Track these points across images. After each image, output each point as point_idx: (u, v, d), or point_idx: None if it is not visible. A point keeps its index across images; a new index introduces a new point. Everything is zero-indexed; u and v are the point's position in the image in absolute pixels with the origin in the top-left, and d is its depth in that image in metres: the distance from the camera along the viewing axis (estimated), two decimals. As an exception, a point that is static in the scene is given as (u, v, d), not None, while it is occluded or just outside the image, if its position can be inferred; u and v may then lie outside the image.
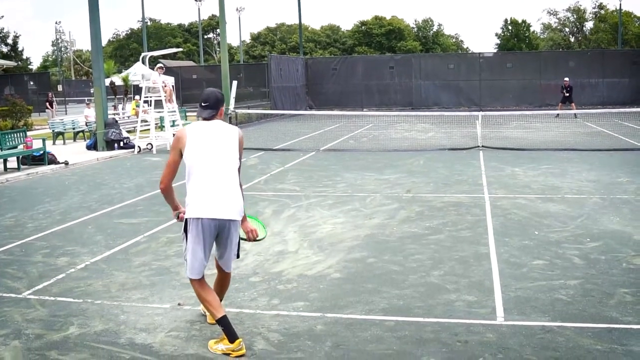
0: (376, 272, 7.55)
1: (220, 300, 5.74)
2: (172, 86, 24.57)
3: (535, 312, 6.18)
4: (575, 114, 31.14)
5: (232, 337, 5.38)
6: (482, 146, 19.56)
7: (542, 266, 7.65)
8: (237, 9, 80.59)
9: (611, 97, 40.46)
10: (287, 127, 29.36)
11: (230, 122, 21.21)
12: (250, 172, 15.56)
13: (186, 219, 5.71)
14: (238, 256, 5.86)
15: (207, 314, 5.97)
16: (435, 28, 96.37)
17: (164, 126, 22.36)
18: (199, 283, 5.65)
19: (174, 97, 22.84)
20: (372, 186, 13.44)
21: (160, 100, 21.26)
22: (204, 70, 54.07)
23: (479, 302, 6.48)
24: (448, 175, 14.71)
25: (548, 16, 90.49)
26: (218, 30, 68.94)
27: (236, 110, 22.73)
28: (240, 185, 5.80)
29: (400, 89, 42.81)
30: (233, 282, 6.99)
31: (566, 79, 32.63)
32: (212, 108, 5.65)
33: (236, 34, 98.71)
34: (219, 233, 5.58)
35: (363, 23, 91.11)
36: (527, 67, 42.61)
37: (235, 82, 29.54)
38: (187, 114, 29.18)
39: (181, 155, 5.73)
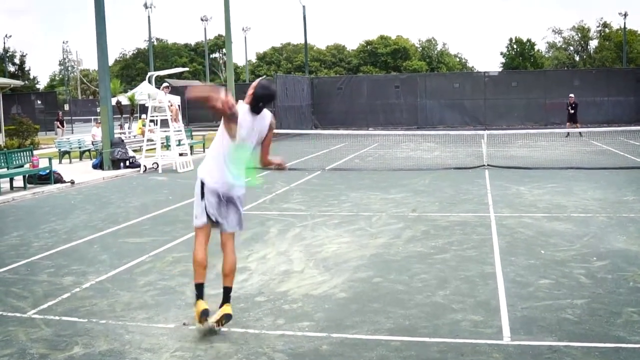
0: (382, 292, 7.52)
1: (229, 270, 6.59)
2: (178, 105, 24.68)
3: (542, 332, 6.14)
4: (580, 132, 31.09)
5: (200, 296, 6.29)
6: (488, 165, 19.54)
7: (548, 285, 7.61)
8: (243, 29, 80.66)
9: (616, 116, 40.45)
10: (292, 146, 29.37)
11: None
12: (255, 192, 15.53)
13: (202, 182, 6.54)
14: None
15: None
16: (439, 47, 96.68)
17: (169, 145, 22.40)
18: (202, 234, 6.78)
19: (179, 117, 22.97)
20: (378, 205, 13.42)
21: (167, 120, 21.34)
22: (210, 90, 54.16)
23: (485, 322, 6.44)
24: (454, 194, 14.69)
25: (553, 35, 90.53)
26: (224, 49, 69.17)
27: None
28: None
29: (405, 108, 42.91)
30: (238, 302, 7.02)
31: (571, 95, 32.57)
32: (265, 101, 6.51)
33: (242, 54, 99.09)
34: (229, 198, 6.58)
35: (368, 42, 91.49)
36: (532, 85, 42.66)
37: (241, 102, 29.65)
38: (193, 133, 29.18)
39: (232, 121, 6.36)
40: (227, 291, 6.45)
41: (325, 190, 15.59)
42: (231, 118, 6.24)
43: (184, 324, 6.55)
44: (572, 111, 31.79)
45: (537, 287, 7.57)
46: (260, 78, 6.74)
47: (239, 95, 33.17)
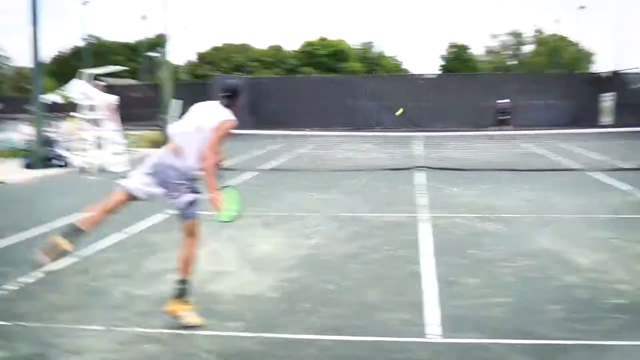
0: (313, 292, 7.54)
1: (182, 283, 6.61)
2: (114, 105, 24.22)
3: (470, 330, 6.24)
4: (510, 135, 31.53)
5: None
6: (423, 166, 19.77)
7: (477, 284, 7.74)
8: (182, 28, 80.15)
9: (548, 119, 41.36)
10: (229, 146, 29.14)
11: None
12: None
13: None
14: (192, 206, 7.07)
15: None
16: (377, 50, 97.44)
17: (104, 145, 22.01)
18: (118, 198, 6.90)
19: (115, 116, 22.56)
20: (313, 206, 13.44)
21: (101, 119, 20.97)
22: (147, 89, 53.40)
23: (415, 321, 6.51)
24: (389, 194, 14.82)
25: (489, 39, 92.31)
26: (163, 48, 68.50)
27: (178, 130, 22.45)
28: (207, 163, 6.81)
29: (343, 110, 43.02)
30: (168, 303, 6.94)
31: (504, 100, 33.10)
32: (231, 97, 7.05)
33: (181, 53, 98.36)
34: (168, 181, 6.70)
35: (308, 44, 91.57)
36: (468, 89, 43.34)
37: (179, 102, 29.35)
38: (129, 132, 28.70)
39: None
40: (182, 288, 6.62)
41: (261, 191, 15.54)
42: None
43: (113, 326, 6.42)
44: (505, 116, 32.18)
45: (466, 285, 7.69)
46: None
47: (177, 94, 32.87)
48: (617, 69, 44.79)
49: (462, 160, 22.21)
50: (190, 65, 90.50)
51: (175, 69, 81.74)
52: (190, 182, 6.74)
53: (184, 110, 27.29)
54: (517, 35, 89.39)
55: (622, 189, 15.26)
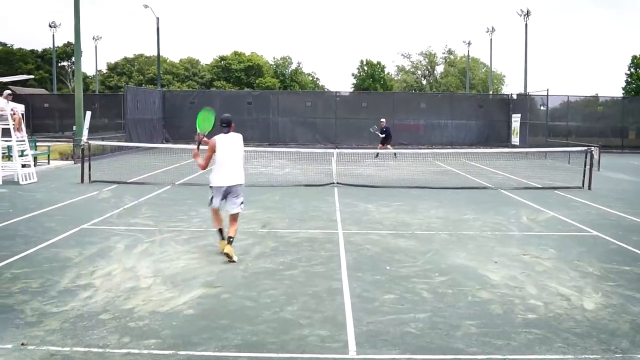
0: (230, 308, 7.49)
1: (233, 229, 10.22)
2: (22, 114, 23.54)
3: (386, 346, 6.32)
4: (394, 153, 32.17)
5: (221, 238, 10.42)
6: (337, 183, 19.93)
7: (392, 300, 7.85)
8: (93, 38, 77.78)
9: (459, 138, 42.59)
10: (142, 160, 28.77)
11: (82, 154, 20.59)
12: (102, 206, 15.12)
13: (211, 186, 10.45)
14: (242, 203, 10.52)
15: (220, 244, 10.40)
16: (294, 66, 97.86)
17: (11, 156, 21.34)
18: (214, 212, 10.59)
19: (23, 126, 21.91)
20: (228, 221, 13.34)
21: (8, 129, 20.35)
22: (57, 99, 52.11)
23: (332, 337, 6.55)
24: (303, 211, 14.86)
25: (402, 58, 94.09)
26: (73, 58, 66.92)
27: (90, 142, 21.99)
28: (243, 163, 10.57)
29: (257, 125, 42.97)
30: (81, 320, 6.87)
31: (382, 120, 33.83)
32: (228, 126, 10.61)
33: (92, 63, 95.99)
34: (229, 191, 10.28)
35: (222, 58, 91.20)
36: (381, 106, 43.89)
37: (89, 113, 28.72)
38: (38, 143, 27.96)
39: (214, 152, 10.35)
40: (230, 238, 10.05)
41: (174, 205, 15.36)
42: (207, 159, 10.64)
43: (22, 344, 6.24)
44: (383, 135, 32.89)
45: (382, 302, 7.79)
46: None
47: (88, 105, 32.19)
48: (527, 91, 46.33)
49: (376, 177, 22.50)
50: (101, 76, 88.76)
51: (86, 79, 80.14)
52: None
53: (92, 119, 26.67)
54: (428, 55, 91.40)
55: (532, 206, 15.75)
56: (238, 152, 10.44)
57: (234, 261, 9.70)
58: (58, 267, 9.32)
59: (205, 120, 11.44)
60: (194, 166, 26.07)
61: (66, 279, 8.66)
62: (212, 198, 10.37)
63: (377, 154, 32.13)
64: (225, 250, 9.78)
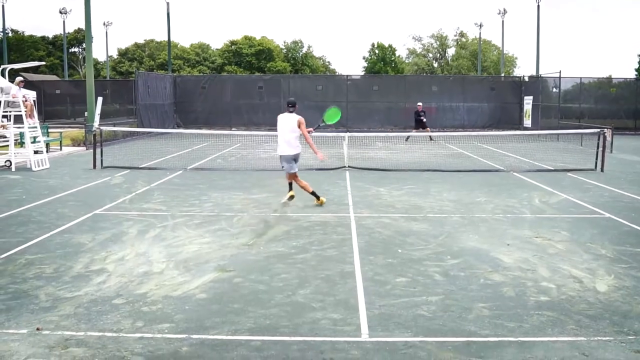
0: (242, 292, 7.52)
1: (288, 180, 13.59)
2: (34, 101, 23.64)
3: (399, 328, 6.33)
4: (430, 136, 32.02)
5: (317, 197, 13.56)
6: (349, 166, 19.94)
7: (405, 283, 7.86)
8: (104, 24, 77.75)
9: (471, 121, 42.40)
10: (154, 145, 28.86)
11: (94, 140, 20.66)
12: (114, 191, 15.18)
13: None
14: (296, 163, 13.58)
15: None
16: (305, 49, 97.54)
17: (24, 142, 21.44)
18: (294, 177, 13.61)
19: (35, 113, 21.99)
20: (240, 205, 13.40)
21: (20, 116, 20.43)
22: (68, 85, 52.17)
23: (344, 320, 6.56)
24: (315, 194, 14.86)
25: (413, 41, 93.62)
26: (84, 44, 66.98)
27: (101, 128, 22.05)
28: (305, 137, 13.32)
29: (268, 109, 42.81)
30: (95, 305, 6.93)
31: (419, 103, 33.52)
32: (292, 107, 13.34)
33: (103, 49, 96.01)
34: (286, 159, 13.33)
35: (233, 42, 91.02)
36: (393, 90, 43.81)
37: (100, 99, 28.80)
38: (50, 130, 28.06)
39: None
40: (290, 183, 13.59)
41: (186, 190, 15.40)
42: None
43: (38, 329, 6.28)
44: (422, 119, 32.62)
45: (394, 285, 7.80)
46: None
47: (99, 91, 32.26)
48: (539, 74, 46.04)
49: (387, 161, 22.49)
50: (112, 62, 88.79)
51: (97, 65, 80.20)
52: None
53: (104, 105, 26.78)
54: (440, 38, 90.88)
55: (544, 189, 15.70)
56: (289, 129, 13.20)
57: (293, 196, 13.44)
58: (71, 252, 9.37)
59: (333, 115, 14.84)
60: (205, 150, 26.19)
61: (79, 264, 8.71)
62: (282, 165, 13.62)
63: (408, 137, 31.91)
64: (289, 194, 13.48)
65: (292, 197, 13.44)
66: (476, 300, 7.19)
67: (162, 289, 7.61)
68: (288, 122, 13.25)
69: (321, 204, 13.33)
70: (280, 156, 13.37)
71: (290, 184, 13.62)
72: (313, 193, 13.51)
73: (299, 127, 13.22)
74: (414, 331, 6.26)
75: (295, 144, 13.27)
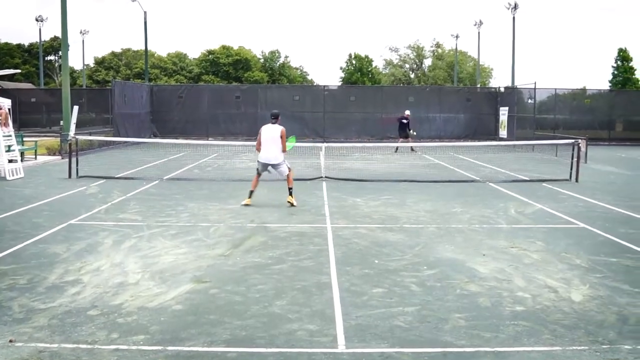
0: (219, 303, 7.48)
1: (289, 186, 14.81)
2: (9, 109, 23.41)
3: (375, 339, 6.33)
4: (412, 147, 32.10)
5: (249, 196, 14.80)
6: (326, 177, 19.94)
7: (381, 294, 7.86)
8: (81, 32, 77.45)
9: (447, 131, 42.64)
10: (130, 155, 28.73)
11: (70, 149, 20.50)
12: (90, 201, 15.07)
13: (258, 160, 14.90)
14: (289, 170, 14.89)
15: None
16: (282, 60, 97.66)
17: (-3, 151, 21.19)
18: (256, 176, 14.98)
19: (9, 121, 21.78)
20: (216, 216, 13.35)
21: (-7, 124, 20.23)
22: (44, 94, 51.75)
23: (321, 331, 6.55)
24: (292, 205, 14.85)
25: (390, 52, 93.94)
26: (60, 52, 66.59)
27: (77, 137, 21.89)
28: (283, 150, 14.68)
29: (245, 119, 42.78)
30: (69, 316, 6.86)
31: (407, 112, 33.39)
32: (275, 119, 14.66)
33: (79, 57, 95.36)
34: (272, 165, 14.72)
35: (210, 52, 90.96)
36: (369, 100, 43.97)
37: (76, 107, 28.63)
38: (25, 138, 27.77)
39: (259, 135, 14.57)
40: (289, 189, 14.74)
41: (162, 200, 15.32)
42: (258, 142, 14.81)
43: (10, 341, 6.20)
44: (407, 128, 32.63)
45: (370, 295, 7.80)
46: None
47: (75, 100, 32.06)
48: (514, 85, 46.38)
49: (364, 171, 22.53)
50: (88, 70, 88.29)
51: (73, 73, 79.67)
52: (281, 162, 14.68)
53: (80, 114, 26.58)
54: (416, 49, 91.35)
55: (520, 199, 15.80)
56: (274, 138, 14.49)
57: (294, 205, 14.44)
58: (46, 263, 9.28)
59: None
60: (182, 160, 26.10)
61: (54, 275, 8.63)
62: (257, 168, 14.94)
63: (397, 148, 31.96)
64: (287, 199, 14.63)
65: (290, 204, 14.58)
66: (452, 311, 7.21)
67: (138, 300, 7.55)
68: (271, 132, 14.51)
69: (245, 204, 14.56)
70: (261, 162, 14.73)
71: (251, 192, 14.87)
72: (251, 192, 14.85)
73: (281, 137, 14.48)
74: (390, 342, 6.26)
75: (277, 153, 14.54)
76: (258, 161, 14.91)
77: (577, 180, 19.56)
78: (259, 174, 15.06)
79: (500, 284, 8.37)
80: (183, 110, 42.81)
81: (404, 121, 32.28)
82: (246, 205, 14.49)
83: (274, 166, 14.76)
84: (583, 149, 22.99)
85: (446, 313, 7.14)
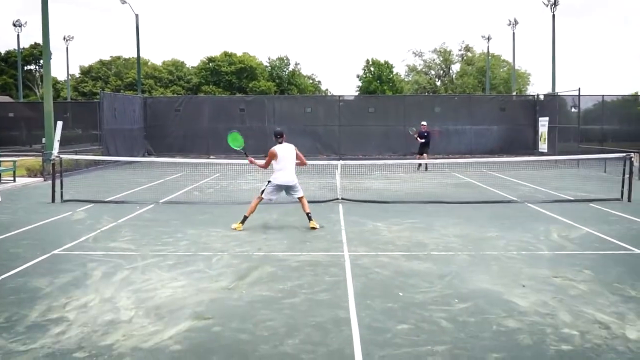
0: (222, 343, 7.47)
1: (307, 211, 15.40)
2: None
3: (400, 383, 6.29)
4: (424, 164, 31.99)
5: (242, 222, 15.19)
6: (342, 198, 19.93)
7: (407, 331, 7.82)
8: (64, 38, 78.10)
9: (479, 146, 42.48)
10: (121, 175, 28.86)
11: (53, 169, 20.60)
12: (76, 228, 15.12)
13: (269, 181, 15.30)
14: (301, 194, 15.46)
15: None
16: (291, 67, 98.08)
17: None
18: (258, 201, 15.39)
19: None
20: (219, 244, 13.36)
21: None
22: (23, 108, 52.26)
23: (339, 374, 6.52)
24: (304, 231, 14.85)
25: (413, 57, 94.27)
26: (41, 61, 67.19)
27: (61, 156, 21.97)
28: (303, 163, 15.76)
29: (252, 134, 42.60)
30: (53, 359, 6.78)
31: (424, 123, 33.45)
32: (282, 137, 15.24)
33: (63, 67, 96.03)
34: (289, 188, 15.37)
35: (211, 59, 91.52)
36: (390, 112, 43.89)
37: (60, 123, 28.72)
38: (2, 158, 27.96)
39: (274, 158, 15.13)
40: (308, 214, 15.28)
41: (158, 227, 15.37)
42: (267, 163, 15.42)
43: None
44: (422, 140, 32.64)
45: (395, 332, 7.76)
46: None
47: (59, 114, 32.23)
48: (555, 91, 46.28)
49: (385, 192, 22.51)
50: (74, 81, 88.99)
51: (57, 84, 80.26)
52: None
53: (64, 130, 26.58)
54: (443, 53, 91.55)
55: (563, 222, 15.73)
56: (292, 158, 15.25)
57: (316, 228, 14.97)
58: (26, 298, 9.30)
59: (235, 140, 15.97)
60: (180, 181, 26.17)
61: (35, 312, 8.64)
62: (263, 190, 15.28)
63: (420, 165, 32.00)
64: (310, 226, 15.05)
65: (313, 229, 15.07)
66: (488, 350, 7.16)
67: (131, 340, 7.55)
68: (289, 152, 15.28)
69: (235, 228, 15.00)
70: (280, 185, 15.28)
71: (245, 218, 15.33)
72: (245, 217, 15.28)
73: (297, 153, 15.46)
74: (418, 386, 6.22)
75: (295, 174, 15.44)
76: (274, 184, 15.25)
77: (629, 200, 19.46)
78: (261, 198, 15.39)
79: (543, 319, 8.31)
80: (180, 125, 42.98)
81: (425, 133, 32.41)
82: (235, 229, 14.89)
83: (292, 187, 15.36)
84: (636, 163, 22.90)
85: (481, 352, 7.09)
